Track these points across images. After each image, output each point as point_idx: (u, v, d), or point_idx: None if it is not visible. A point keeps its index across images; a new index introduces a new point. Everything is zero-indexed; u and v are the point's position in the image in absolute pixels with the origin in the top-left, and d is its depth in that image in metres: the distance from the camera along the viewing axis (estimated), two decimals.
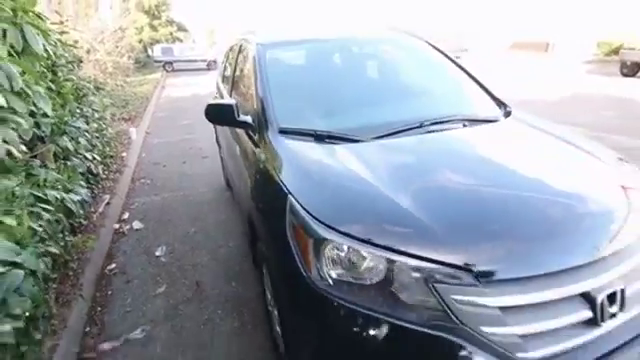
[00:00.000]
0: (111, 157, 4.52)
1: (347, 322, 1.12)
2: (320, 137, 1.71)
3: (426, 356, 1.09)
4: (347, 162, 1.51)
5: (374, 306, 1.09)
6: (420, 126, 1.79)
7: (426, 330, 1.05)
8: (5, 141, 1.69)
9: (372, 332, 1.08)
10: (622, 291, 1.14)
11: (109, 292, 2.48)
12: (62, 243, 2.17)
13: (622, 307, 1.14)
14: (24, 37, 1.95)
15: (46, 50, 2.35)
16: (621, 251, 1.20)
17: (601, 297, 1.10)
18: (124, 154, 5.13)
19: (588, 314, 1.10)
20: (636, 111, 7.09)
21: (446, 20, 29.52)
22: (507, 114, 2.12)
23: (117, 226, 3.35)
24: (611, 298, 1.12)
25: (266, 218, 1.59)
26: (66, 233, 2.32)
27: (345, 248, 1.15)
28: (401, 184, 1.35)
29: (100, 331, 2.14)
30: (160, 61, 21.49)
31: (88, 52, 10.08)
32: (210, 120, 2.10)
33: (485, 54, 22.34)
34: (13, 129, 1.74)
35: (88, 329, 2.14)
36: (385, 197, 1.29)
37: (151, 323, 2.17)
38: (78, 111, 3.22)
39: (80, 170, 2.88)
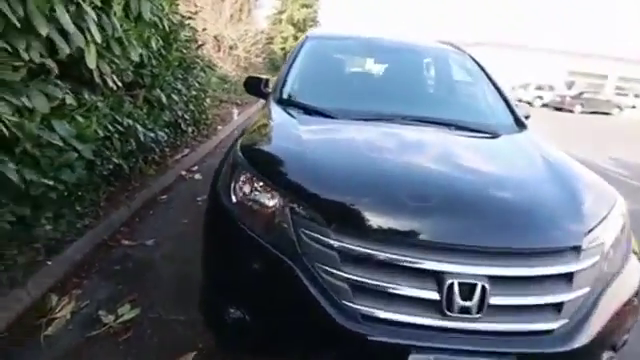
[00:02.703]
0: (205, 124, 5.46)
1: (233, 233, 1.36)
2: (306, 111, 1.98)
3: (275, 277, 1.23)
4: (302, 128, 1.73)
5: (253, 227, 1.30)
6: (403, 118, 1.91)
7: (277, 253, 1.21)
8: (101, 72, 2.42)
9: (246, 246, 1.29)
10: (483, 289, 1.11)
11: (150, 212, 3.14)
12: (125, 160, 2.89)
13: (480, 309, 1.11)
14: (140, 8, 2.73)
15: (160, 20, 3.16)
16: (503, 254, 1.17)
17: (451, 281, 1.10)
18: (219, 127, 6.12)
19: (432, 295, 1.12)
20: None
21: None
22: (519, 131, 2.06)
23: (183, 172, 4.11)
24: (468, 293, 1.11)
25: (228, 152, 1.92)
26: (133, 156, 3.06)
27: (249, 176, 1.40)
28: (331, 149, 1.54)
29: (128, 232, 2.76)
30: None
31: (231, 48, 12.08)
32: (247, 90, 2.60)
33: None
34: (109, 65, 2.47)
35: (121, 228, 2.79)
36: (304, 153, 1.46)
37: (163, 238, 2.70)
38: (180, 77, 4.10)
39: (165, 119, 3.69)
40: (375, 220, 1.19)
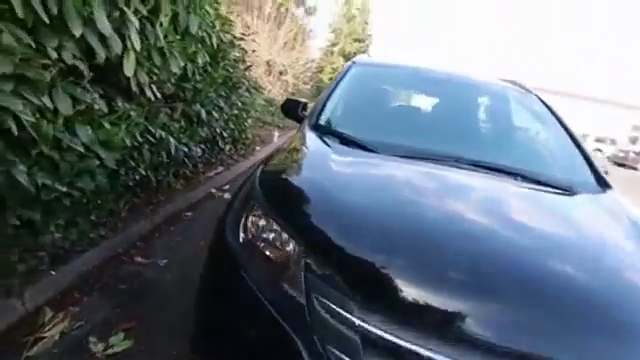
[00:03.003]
0: (244, 144, 5.43)
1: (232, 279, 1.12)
2: (343, 141, 1.74)
3: (272, 350, 0.96)
4: (335, 159, 1.49)
5: (257, 278, 1.05)
6: (456, 160, 1.61)
7: (280, 320, 0.94)
8: (139, 81, 2.37)
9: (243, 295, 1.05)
10: None
11: (171, 228, 3.01)
12: (153, 171, 2.80)
13: None
14: (188, 22, 2.71)
15: (209, 37, 3.15)
16: None
17: None
18: (257, 147, 6.08)
19: None
20: None
21: None
22: (602, 191, 1.68)
23: (213, 190, 4.01)
24: None
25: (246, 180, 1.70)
26: (162, 168, 2.98)
27: (263, 212, 1.17)
28: (367, 190, 1.27)
29: (144, 248, 2.62)
30: None
31: (281, 73, 12.41)
32: (284, 113, 2.44)
33: None
34: (148, 74, 2.42)
35: (138, 243, 2.66)
36: (332, 192, 1.21)
37: (176, 259, 2.53)
38: (223, 94, 4.08)
39: (202, 134, 3.63)
40: (419, 300, 0.89)
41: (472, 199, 1.33)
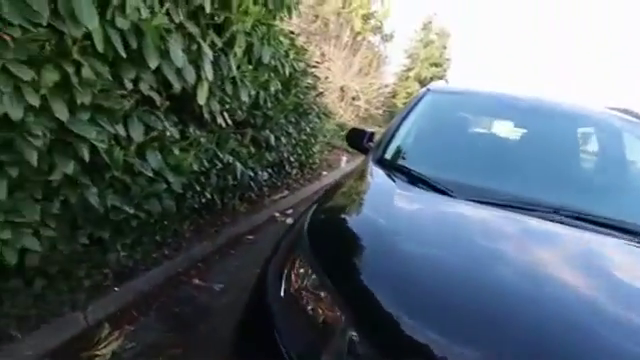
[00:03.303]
0: (311, 168, 5.44)
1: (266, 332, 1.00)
2: (412, 180, 1.55)
3: None
4: (400, 205, 1.31)
5: (291, 345, 0.92)
6: (555, 211, 1.31)
7: None
8: (210, 109, 2.46)
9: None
10: None
11: (232, 251, 3.03)
12: (219, 194, 2.87)
13: None
14: (261, 53, 2.79)
15: (282, 66, 3.22)
16: None
17: None
18: (324, 172, 6.05)
19: None
20: None
21: None
22: None
23: (277, 214, 4.01)
24: None
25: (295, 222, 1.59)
26: (228, 191, 3.05)
27: (307, 267, 1.04)
28: (439, 249, 1.06)
29: (203, 270, 2.66)
30: None
31: (353, 98, 12.50)
32: (349, 144, 2.32)
33: None
34: (220, 103, 2.51)
35: (199, 264, 2.71)
36: (390, 253, 1.03)
37: (232, 284, 2.51)
38: (293, 120, 4.14)
39: (269, 159, 3.68)
40: None
41: (580, 278, 1.01)
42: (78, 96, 1.36)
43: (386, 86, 15.06)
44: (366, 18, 12.79)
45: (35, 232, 1.46)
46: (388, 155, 1.79)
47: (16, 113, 1.18)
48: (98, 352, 1.73)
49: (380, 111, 14.80)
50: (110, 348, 1.78)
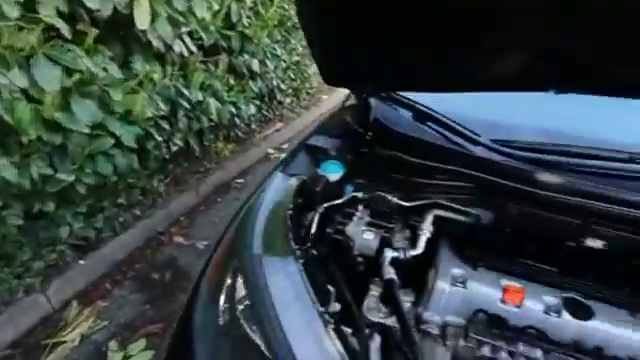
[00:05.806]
0: (307, 93, 4.88)
1: None
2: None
3: None
4: None
5: None
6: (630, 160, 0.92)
7: None
8: (159, 34, 1.93)
9: None
10: None
11: (218, 199, 2.75)
12: (196, 138, 2.48)
13: None
14: None
15: None
16: None
17: None
18: (324, 96, 5.48)
19: None
20: None
21: None
22: None
23: (271, 151, 3.64)
24: None
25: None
26: (208, 134, 2.64)
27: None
28: None
29: (186, 225, 2.40)
30: None
31: None
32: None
33: None
34: (173, 25, 1.96)
35: (181, 218, 2.45)
36: None
37: (215, 240, 2.27)
38: (280, 39, 3.50)
39: (255, 89, 3.17)
40: None
41: None
42: None
43: None
44: None
45: None
46: None
47: None
48: (63, 338, 1.55)
49: None
50: (78, 331, 1.59)
